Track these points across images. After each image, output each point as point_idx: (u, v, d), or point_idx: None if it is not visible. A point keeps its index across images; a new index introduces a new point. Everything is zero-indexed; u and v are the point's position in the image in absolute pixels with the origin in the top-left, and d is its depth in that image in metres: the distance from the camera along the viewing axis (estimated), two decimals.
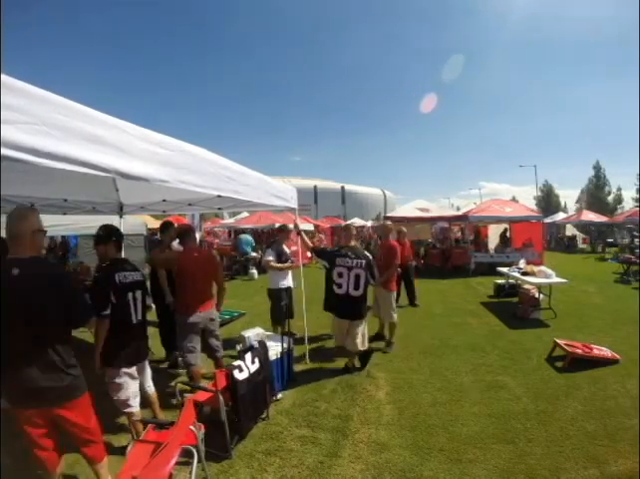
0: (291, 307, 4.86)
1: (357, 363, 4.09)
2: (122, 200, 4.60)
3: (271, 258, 4.64)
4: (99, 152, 1.61)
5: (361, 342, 3.91)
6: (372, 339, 4.95)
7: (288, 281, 4.83)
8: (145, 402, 2.72)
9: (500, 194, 63.22)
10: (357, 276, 3.82)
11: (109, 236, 2.57)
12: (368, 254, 4.08)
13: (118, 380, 2.46)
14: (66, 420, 1.85)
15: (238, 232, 13.88)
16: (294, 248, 5.24)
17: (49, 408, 1.80)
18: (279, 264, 4.66)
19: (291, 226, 4.72)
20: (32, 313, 1.71)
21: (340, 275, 3.83)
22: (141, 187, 3.56)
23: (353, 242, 4.13)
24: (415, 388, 3.58)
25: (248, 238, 12.47)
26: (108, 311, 2.36)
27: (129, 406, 2.51)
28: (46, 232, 1.98)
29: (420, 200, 14.42)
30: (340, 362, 4.24)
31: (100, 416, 2.08)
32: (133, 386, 2.54)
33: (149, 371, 2.79)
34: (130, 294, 2.52)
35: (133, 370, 2.55)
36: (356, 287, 3.83)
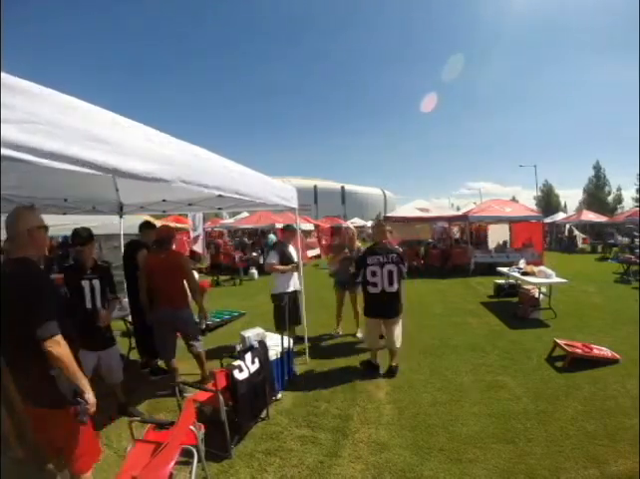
0: (298, 313, 4.45)
1: (377, 360, 4.03)
2: (122, 199, 4.60)
3: (274, 261, 4.33)
4: (99, 151, 1.59)
5: (398, 340, 3.92)
6: None
7: (294, 285, 4.45)
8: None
9: (492, 194, 62.73)
10: (390, 272, 3.82)
11: (91, 236, 2.75)
12: (398, 248, 4.06)
13: None
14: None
15: (266, 231, 14.22)
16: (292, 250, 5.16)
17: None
18: (281, 267, 4.33)
19: (296, 225, 4.60)
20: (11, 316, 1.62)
21: (374, 274, 3.80)
22: (141, 186, 3.56)
23: (385, 239, 4.05)
24: (415, 388, 3.58)
25: (273, 237, 12.83)
26: None
27: None
28: (47, 227, 1.98)
29: (420, 200, 14.44)
30: (340, 362, 4.25)
31: (99, 415, 2.05)
32: None
33: None
34: None
35: None
36: (390, 283, 3.82)
